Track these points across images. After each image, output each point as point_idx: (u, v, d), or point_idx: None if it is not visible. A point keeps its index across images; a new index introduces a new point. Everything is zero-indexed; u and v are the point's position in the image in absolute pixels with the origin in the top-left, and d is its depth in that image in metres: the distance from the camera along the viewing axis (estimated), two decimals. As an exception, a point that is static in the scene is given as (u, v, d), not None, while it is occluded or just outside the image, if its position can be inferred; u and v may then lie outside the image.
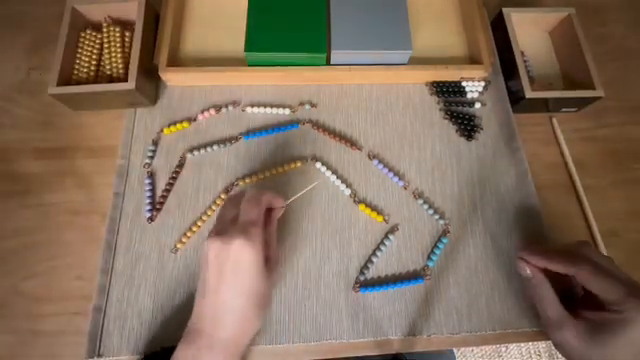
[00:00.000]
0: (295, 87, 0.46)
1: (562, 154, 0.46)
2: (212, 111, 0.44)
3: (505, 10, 0.47)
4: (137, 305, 0.37)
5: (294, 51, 0.43)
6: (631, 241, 0.43)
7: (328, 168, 0.42)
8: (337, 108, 0.46)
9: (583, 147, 0.46)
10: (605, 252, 0.42)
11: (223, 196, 0.41)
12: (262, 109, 0.45)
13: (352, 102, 0.46)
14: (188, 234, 0.39)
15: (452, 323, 0.37)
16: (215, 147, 0.43)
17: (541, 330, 0.37)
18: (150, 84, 0.44)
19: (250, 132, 0.44)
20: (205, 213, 0.40)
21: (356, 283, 0.38)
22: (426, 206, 0.41)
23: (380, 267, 0.39)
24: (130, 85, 0.40)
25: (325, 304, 0.38)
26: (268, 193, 0.34)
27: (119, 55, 0.43)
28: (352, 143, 0.44)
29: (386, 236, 0.40)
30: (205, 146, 0.43)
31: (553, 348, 0.35)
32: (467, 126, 0.45)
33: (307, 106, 0.45)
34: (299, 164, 0.43)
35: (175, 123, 0.44)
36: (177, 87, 0.46)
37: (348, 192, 0.41)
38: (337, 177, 0.42)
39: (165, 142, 0.43)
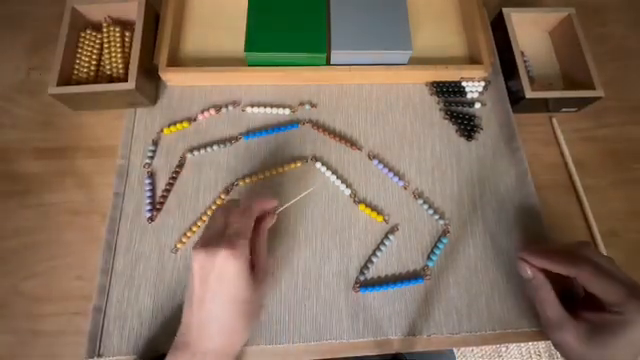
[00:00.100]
0: (295, 87, 0.46)
1: (562, 154, 0.46)
2: (212, 111, 0.44)
3: (505, 10, 0.47)
4: (137, 305, 0.37)
5: (294, 51, 0.43)
6: (631, 241, 0.43)
7: (328, 168, 0.42)
8: (337, 108, 0.46)
9: (583, 147, 0.46)
10: (605, 252, 0.42)
11: (223, 196, 0.41)
12: (262, 109, 0.45)
13: (352, 102, 0.46)
14: (188, 234, 0.39)
15: (452, 323, 0.37)
16: (215, 147, 0.43)
17: (541, 330, 0.37)
18: (150, 84, 0.44)
19: (250, 132, 0.44)
20: (205, 213, 0.40)
21: (356, 283, 0.38)
22: (426, 206, 0.41)
23: (380, 267, 0.39)
24: (130, 85, 0.40)
25: (325, 304, 0.38)
26: (259, 200, 0.34)
27: (119, 55, 0.43)
28: (352, 143, 0.44)
29: (386, 236, 0.40)
30: (205, 146, 0.43)
31: (553, 348, 0.35)
32: (467, 126, 0.45)
33: (307, 106, 0.45)
34: (299, 164, 0.43)
35: (175, 123, 0.44)
36: (177, 87, 0.46)
37: (348, 192, 0.42)
38: (337, 177, 0.42)
39: (165, 142, 0.43)
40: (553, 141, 0.47)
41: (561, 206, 0.44)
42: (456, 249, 0.40)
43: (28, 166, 0.43)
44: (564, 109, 0.47)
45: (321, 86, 0.47)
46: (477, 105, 0.46)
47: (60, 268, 0.39)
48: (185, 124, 0.44)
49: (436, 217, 0.41)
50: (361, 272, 0.39)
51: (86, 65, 0.44)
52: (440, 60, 0.47)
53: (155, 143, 0.43)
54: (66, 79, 0.42)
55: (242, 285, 0.30)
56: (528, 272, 0.35)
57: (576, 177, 0.44)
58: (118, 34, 0.44)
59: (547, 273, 0.35)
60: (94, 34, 0.45)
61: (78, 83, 0.43)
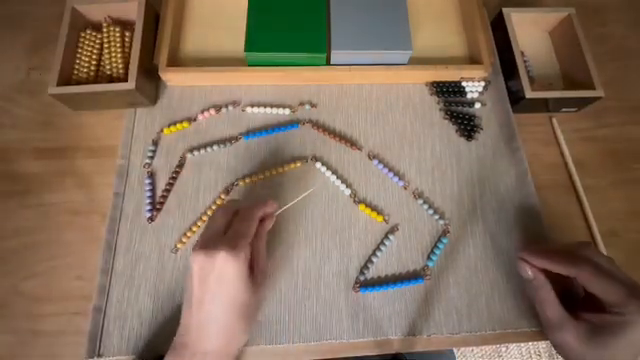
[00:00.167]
0: (295, 87, 0.46)
1: (562, 154, 0.46)
2: (212, 111, 0.44)
3: (505, 10, 0.47)
4: (137, 305, 0.37)
5: (294, 51, 0.43)
6: (631, 241, 0.43)
7: (328, 168, 0.42)
8: (337, 108, 0.46)
9: (583, 147, 0.46)
10: (605, 252, 0.42)
11: (223, 196, 0.41)
12: (262, 109, 0.45)
13: (352, 102, 0.46)
14: (188, 234, 0.39)
15: (452, 323, 0.37)
16: (215, 147, 0.43)
17: (541, 330, 0.37)
18: (150, 84, 0.44)
19: (250, 132, 0.44)
20: (205, 213, 0.40)
21: (356, 283, 0.38)
22: (426, 206, 0.41)
23: (380, 267, 0.39)
24: (130, 85, 0.40)
25: (325, 304, 0.38)
26: (261, 204, 0.34)
27: (119, 55, 0.43)
28: (352, 143, 0.44)
29: (386, 236, 0.40)
30: (205, 146, 0.43)
31: (553, 348, 0.35)
32: (467, 126, 0.45)
33: (307, 106, 0.45)
34: (299, 164, 0.43)
35: (175, 123, 0.44)
36: (177, 87, 0.46)
37: (348, 192, 0.42)
38: (337, 177, 0.42)
39: (165, 142, 0.43)
40: (553, 141, 0.47)
41: (561, 206, 0.44)
42: (456, 249, 0.40)
43: (28, 166, 0.43)
44: (564, 109, 0.47)
45: (321, 86, 0.47)
46: (477, 105, 0.46)
47: (60, 268, 0.39)
48: (185, 124, 0.44)
49: (436, 217, 0.41)
50: (361, 272, 0.39)
51: (86, 65, 0.44)
52: (440, 60, 0.47)
53: (155, 143, 0.43)
54: (66, 79, 0.42)
55: (241, 287, 0.30)
56: (528, 272, 0.35)
57: (576, 177, 0.44)
58: (118, 34, 0.44)
59: (547, 273, 0.35)
60: (94, 34, 0.45)
61: (78, 83, 0.43)
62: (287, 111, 0.45)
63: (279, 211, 0.36)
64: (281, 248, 0.39)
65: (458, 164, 0.44)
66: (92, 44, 0.44)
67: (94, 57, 0.44)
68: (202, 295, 0.30)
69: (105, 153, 0.43)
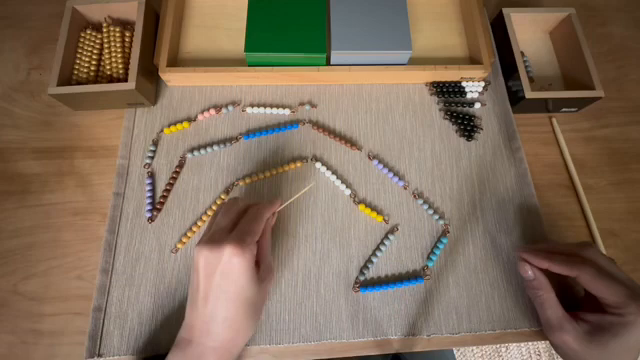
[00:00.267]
0: (295, 87, 0.46)
1: (562, 154, 0.46)
2: (212, 111, 0.44)
3: (505, 10, 0.47)
4: (137, 305, 0.37)
5: (294, 51, 0.43)
6: (631, 241, 0.43)
7: (328, 168, 0.42)
8: (337, 108, 0.46)
9: (583, 147, 0.46)
10: (605, 252, 0.42)
11: (223, 196, 0.41)
12: (262, 109, 0.45)
13: (352, 102, 0.46)
14: (188, 234, 0.39)
15: (452, 323, 0.37)
16: (215, 147, 0.43)
17: (540, 330, 0.37)
18: (150, 84, 0.44)
19: (250, 132, 0.44)
20: (205, 213, 0.40)
21: (356, 283, 0.38)
22: (426, 206, 0.41)
23: (380, 267, 0.39)
24: (130, 85, 0.40)
25: (325, 304, 0.38)
26: (269, 205, 0.35)
27: (119, 55, 0.43)
28: (352, 143, 0.44)
29: (386, 236, 0.40)
30: (205, 146, 0.43)
31: (553, 349, 0.35)
32: (467, 126, 0.45)
33: (307, 106, 0.45)
34: (299, 164, 0.43)
35: (175, 123, 0.44)
36: (177, 87, 0.46)
37: (348, 192, 0.42)
38: (337, 177, 0.42)
39: (165, 142, 0.43)
40: (553, 141, 0.47)
41: (561, 206, 0.44)
42: (456, 249, 0.40)
43: (28, 166, 0.43)
44: (564, 109, 0.47)
45: (321, 86, 0.47)
46: (477, 105, 0.46)
47: (60, 268, 0.39)
48: (185, 124, 0.44)
49: (436, 217, 0.41)
50: (361, 272, 0.39)
51: (86, 65, 0.44)
52: (440, 60, 0.47)
53: (155, 143, 0.43)
54: (66, 79, 0.42)
55: (247, 283, 0.30)
56: (529, 272, 0.35)
57: (576, 177, 0.44)
58: (118, 34, 0.44)
59: (547, 273, 0.35)
60: (94, 34, 0.45)
61: (78, 83, 0.43)
62: (287, 111, 0.45)
63: (283, 205, 0.37)
64: (281, 248, 0.39)
65: (458, 164, 0.44)
66: (92, 44, 0.44)
67: (94, 57, 0.44)
68: (207, 290, 0.30)
69: (105, 153, 0.43)
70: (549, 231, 0.42)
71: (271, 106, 0.45)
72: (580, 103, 0.46)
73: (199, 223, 0.40)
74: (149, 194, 0.41)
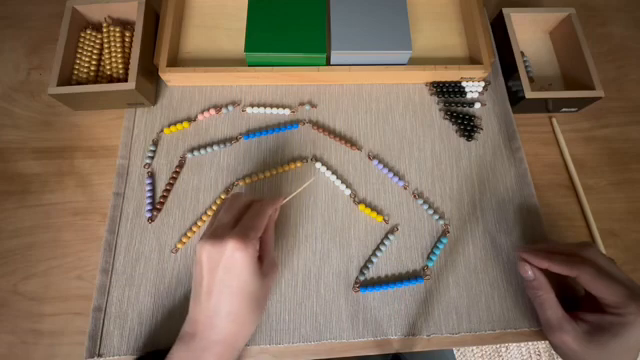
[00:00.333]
0: (295, 87, 0.46)
1: (562, 154, 0.46)
2: (212, 111, 0.44)
3: (505, 10, 0.47)
4: (137, 305, 0.37)
5: (294, 51, 0.43)
6: (631, 241, 0.43)
7: (328, 168, 0.42)
8: (337, 108, 0.46)
9: (583, 147, 0.46)
10: (604, 252, 0.42)
11: (223, 196, 0.41)
12: (262, 109, 0.45)
13: (352, 102, 0.46)
14: (188, 234, 0.39)
15: (451, 323, 0.37)
16: (215, 147, 0.43)
17: (540, 330, 0.37)
18: (150, 84, 0.44)
19: (250, 132, 0.44)
20: (205, 213, 0.40)
21: (356, 283, 0.38)
22: (426, 206, 0.41)
23: (380, 267, 0.39)
24: (130, 85, 0.40)
25: (325, 304, 0.38)
26: (271, 202, 0.35)
27: (119, 55, 0.43)
28: (352, 143, 0.44)
29: (386, 236, 0.40)
30: (205, 146, 0.43)
31: (552, 349, 0.35)
32: (467, 126, 0.45)
33: (307, 106, 0.45)
34: (299, 164, 0.43)
35: (175, 123, 0.44)
36: (177, 87, 0.46)
37: (348, 192, 0.42)
38: (337, 177, 0.42)
39: (165, 142, 0.43)
40: (553, 141, 0.47)
41: (561, 206, 0.44)
42: (456, 249, 0.40)
43: (28, 166, 0.43)
44: (564, 109, 0.47)
45: (321, 86, 0.47)
46: (477, 105, 0.46)
47: (60, 268, 0.39)
48: (185, 124, 0.44)
49: (436, 217, 0.41)
50: (361, 272, 0.39)
51: (86, 65, 0.44)
52: (440, 60, 0.47)
53: (155, 143, 0.43)
54: (66, 79, 0.42)
55: (250, 277, 0.30)
56: (529, 272, 0.35)
57: (576, 177, 0.44)
58: (118, 34, 0.44)
59: (547, 273, 0.35)
60: (94, 34, 0.45)
61: (78, 83, 0.43)
62: (287, 111, 0.45)
63: (285, 200, 0.37)
64: (281, 248, 0.39)
65: (458, 164, 0.44)
66: (92, 44, 0.44)
67: (94, 57, 0.44)
68: (211, 285, 0.30)
69: (105, 153, 0.43)
70: (549, 231, 0.42)
71: (271, 106, 0.45)
72: (580, 103, 0.46)
73: (199, 223, 0.40)
74: (149, 194, 0.41)
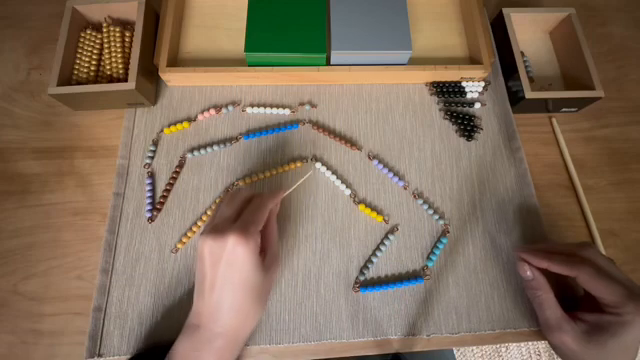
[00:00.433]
0: (295, 87, 0.46)
1: (562, 154, 0.46)
2: (212, 111, 0.44)
3: (505, 10, 0.47)
4: (137, 305, 0.37)
5: (294, 51, 0.43)
6: (631, 241, 0.43)
7: (328, 168, 0.42)
8: (337, 108, 0.46)
9: (583, 147, 0.46)
10: (604, 252, 0.42)
11: (223, 196, 0.41)
12: (262, 109, 0.45)
13: (352, 102, 0.46)
14: (188, 234, 0.39)
15: (451, 323, 0.38)
16: (215, 147, 0.43)
17: (540, 330, 0.37)
18: (150, 84, 0.44)
19: (250, 132, 0.44)
20: (205, 213, 0.40)
21: (356, 283, 0.38)
22: (426, 206, 0.41)
23: (380, 267, 0.39)
24: (130, 85, 0.40)
25: (325, 304, 0.38)
26: (272, 196, 0.35)
27: (119, 55, 0.43)
28: (352, 143, 0.44)
29: (386, 236, 0.40)
30: (205, 146, 0.43)
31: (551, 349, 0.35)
32: (467, 126, 0.45)
33: (307, 106, 0.45)
34: (299, 164, 0.43)
35: (175, 123, 0.44)
36: (177, 87, 0.46)
37: (348, 192, 0.42)
38: (337, 177, 0.42)
39: (165, 142, 0.43)
40: (553, 141, 0.47)
41: (561, 206, 0.44)
42: (456, 249, 0.40)
43: (28, 166, 0.43)
44: (564, 109, 0.47)
45: (321, 86, 0.47)
46: (477, 105, 0.46)
47: (60, 268, 0.39)
48: (185, 124, 0.44)
49: (436, 217, 0.41)
50: (361, 272, 0.39)
51: (86, 65, 0.44)
52: (440, 60, 0.47)
53: (155, 143, 0.43)
54: (66, 79, 0.42)
55: (252, 271, 0.30)
56: (528, 272, 0.35)
57: (576, 177, 0.44)
58: (118, 34, 0.44)
59: (546, 273, 0.35)
60: (94, 34, 0.45)
61: (78, 83, 0.43)
62: (287, 111, 0.45)
63: (285, 193, 0.37)
64: (282, 248, 0.39)
65: (458, 164, 0.44)
66: (92, 44, 0.44)
67: (94, 57, 0.44)
68: (213, 279, 0.30)
69: (105, 153, 0.43)
70: (549, 231, 0.42)
71: (271, 106, 0.45)
72: (580, 103, 0.46)
73: (199, 223, 0.40)
74: (149, 194, 0.41)
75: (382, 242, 0.40)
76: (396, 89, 0.47)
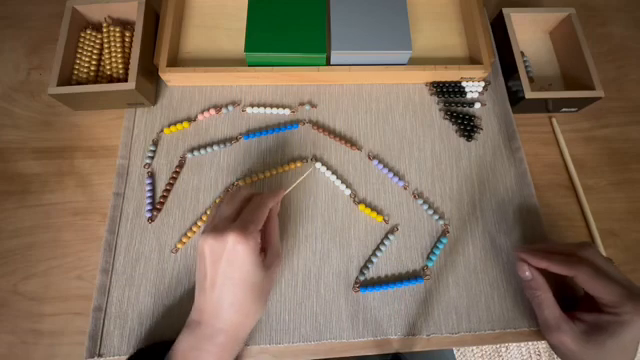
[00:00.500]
0: (295, 87, 0.46)
1: (562, 154, 0.46)
2: (212, 111, 0.44)
3: (505, 10, 0.47)
4: (137, 305, 0.37)
5: (294, 51, 0.43)
6: (631, 241, 0.43)
7: (328, 168, 0.42)
8: (337, 108, 0.46)
9: (583, 147, 0.46)
10: (604, 252, 0.42)
11: (223, 196, 0.41)
12: (262, 109, 0.45)
13: (352, 102, 0.46)
14: (188, 234, 0.39)
15: (451, 323, 0.38)
16: (215, 147, 0.43)
17: (539, 330, 0.37)
18: (150, 84, 0.44)
19: (250, 132, 0.44)
20: (205, 213, 0.40)
21: (356, 283, 0.38)
22: (426, 206, 0.41)
23: (380, 267, 0.39)
24: (130, 85, 0.40)
25: (325, 304, 0.38)
26: (272, 195, 0.35)
27: (119, 55, 0.43)
28: (352, 143, 0.44)
29: (386, 236, 0.40)
30: (205, 146, 0.43)
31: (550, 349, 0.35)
32: (467, 126, 0.45)
33: (307, 106, 0.45)
34: (299, 164, 0.43)
35: (175, 123, 0.44)
36: (177, 87, 0.46)
37: (348, 192, 0.42)
38: (337, 177, 0.42)
39: (165, 142, 0.43)
40: (553, 141, 0.47)
41: (561, 206, 0.44)
42: (456, 249, 0.40)
43: (28, 166, 0.43)
44: (564, 109, 0.47)
45: (321, 86, 0.47)
46: (477, 105, 0.46)
47: (60, 268, 0.39)
48: (185, 124, 0.44)
49: (436, 217, 0.41)
50: (361, 272, 0.39)
51: (86, 65, 0.44)
52: (440, 60, 0.47)
53: (155, 143, 0.43)
54: (66, 79, 0.42)
55: (252, 269, 0.30)
56: (527, 272, 0.35)
57: (576, 177, 0.44)
58: (118, 34, 0.44)
59: (545, 273, 0.35)
60: (94, 34, 0.45)
61: (78, 83, 0.43)
62: (287, 111, 0.45)
63: (285, 193, 0.37)
64: (282, 247, 0.39)
65: (458, 164, 0.44)
66: (92, 44, 0.44)
67: (94, 57, 0.44)
68: (214, 277, 0.30)
69: (105, 153, 0.43)
70: (549, 231, 0.42)
71: (271, 106, 0.45)
72: (580, 103, 0.46)
73: (199, 223, 0.40)
74: (149, 194, 0.41)
75: (382, 242, 0.40)
76: (396, 89, 0.47)
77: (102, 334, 0.36)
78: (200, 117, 0.44)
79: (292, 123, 0.44)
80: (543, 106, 0.46)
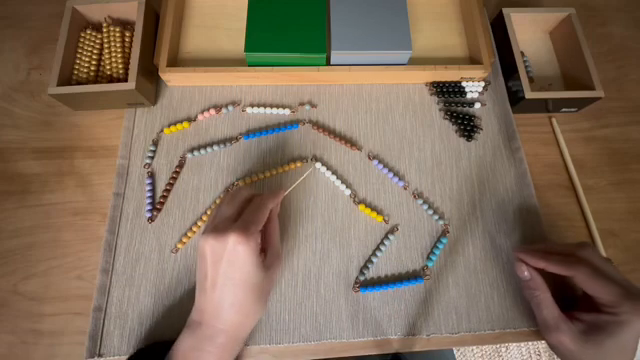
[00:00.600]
0: (295, 87, 0.46)
1: (562, 154, 0.46)
2: (212, 111, 0.44)
3: (505, 10, 0.47)
4: (137, 305, 0.37)
5: (294, 51, 0.43)
6: (631, 241, 0.43)
7: (328, 168, 0.42)
8: (337, 108, 0.46)
9: (583, 147, 0.46)
10: (604, 252, 0.42)
11: (223, 196, 0.41)
12: (262, 109, 0.45)
13: (352, 102, 0.46)
14: (188, 234, 0.39)
15: (451, 323, 0.38)
16: (215, 147, 0.43)
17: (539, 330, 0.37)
18: (150, 84, 0.44)
19: (250, 132, 0.44)
20: (205, 213, 0.40)
21: (356, 283, 0.38)
22: (426, 206, 0.41)
23: (380, 267, 0.39)
24: (130, 85, 0.40)
25: (325, 304, 0.38)
26: (272, 196, 0.35)
27: (119, 55, 0.43)
28: (352, 143, 0.44)
29: (386, 236, 0.40)
30: (205, 146, 0.43)
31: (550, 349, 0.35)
32: (467, 126, 0.45)
33: (307, 106, 0.45)
34: (299, 164, 0.43)
35: (175, 123, 0.44)
36: (177, 87, 0.46)
37: (348, 192, 0.42)
38: (337, 177, 0.42)
39: (165, 142, 0.43)
40: (553, 141, 0.47)
41: (561, 206, 0.44)
42: (455, 249, 0.40)
43: (28, 166, 0.43)
44: (564, 109, 0.47)
45: (321, 86, 0.47)
46: (477, 105, 0.46)
47: (60, 268, 0.39)
48: (185, 124, 0.44)
49: (436, 217, 0.41)
50: (361, 272, 0.39)
51: (86, 65, 0.44)
52: (440, 60, 0.47)
53: (155, 143, 0.43)
54: (66, 79, 0.42)
55: (252, 269, 0.30)
56: (525, 273, 0.35)
57: (576, 177, 0.44)
58: (118, 34, 0.44)
59: (544, 273, 0.35)
60: (94, 34, 0.45)
61: (78, 83, 0.43)
62: (287, 111, 0.45)
63: (285, 193, 0.37)
64: (282, 247, 0.39)
65: (458, 164, 0.44)
66: (92, 44, 0.44)
67: (94, 57, 0.44)
68: (215, 278, 0.30)
69: (105, 153, 0.43)
70: (549, 231, 0.42)
71: (271, 106, 0.45)
72: (580, 103, 0.46)
73: (199, 223, 0.40)
74: (149, 194, 0.41)
75: (382, 242, 0.40)
76: (396, 89, 0.47)
77: (102, 334, 0.36)
78: (200, 117, 0.44)
79: (292, 123, 0.44)
80: (543, 106, 0.46)
